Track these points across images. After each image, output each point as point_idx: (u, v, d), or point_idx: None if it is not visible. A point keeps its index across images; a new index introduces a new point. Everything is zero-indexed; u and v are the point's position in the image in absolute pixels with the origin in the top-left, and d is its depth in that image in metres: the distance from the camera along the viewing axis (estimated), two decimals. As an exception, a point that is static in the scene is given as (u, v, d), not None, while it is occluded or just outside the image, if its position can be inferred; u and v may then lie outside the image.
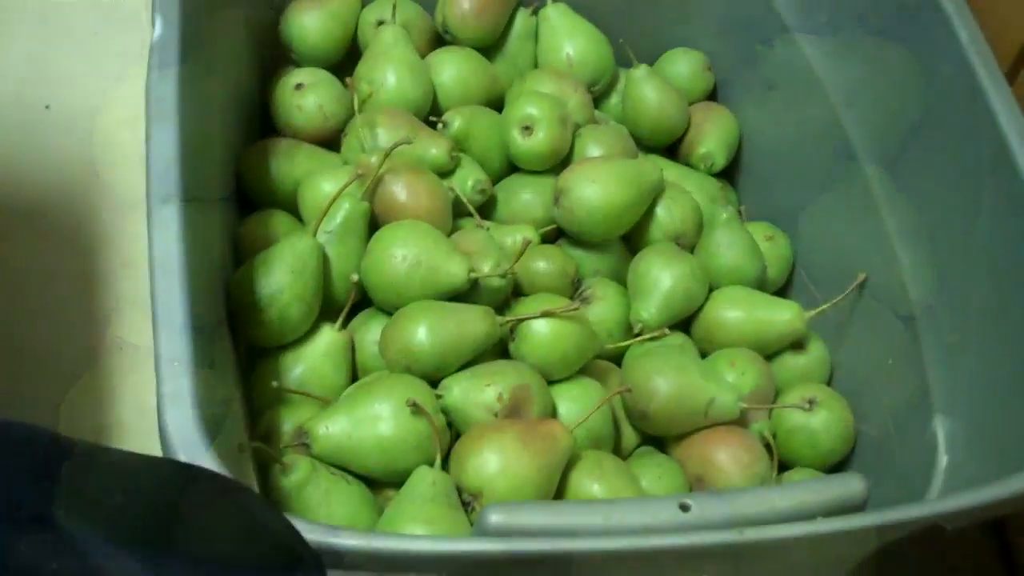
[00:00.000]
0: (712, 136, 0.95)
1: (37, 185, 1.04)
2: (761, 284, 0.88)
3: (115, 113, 1.10)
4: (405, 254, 0.75)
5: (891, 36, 0.80)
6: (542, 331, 0.75)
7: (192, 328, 0.57)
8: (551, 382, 0.76)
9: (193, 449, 0.53)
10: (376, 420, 0.69)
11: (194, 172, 0.65)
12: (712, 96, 1.01)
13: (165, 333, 0.56)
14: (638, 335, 0.82)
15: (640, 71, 0.93)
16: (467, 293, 0.77)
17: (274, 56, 0.93)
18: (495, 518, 0.53)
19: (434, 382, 0.74)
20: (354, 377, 0.78)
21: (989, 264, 0.71)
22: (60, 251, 1.00)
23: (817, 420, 0.80)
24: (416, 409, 0.68)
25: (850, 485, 0.56)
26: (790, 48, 0.90)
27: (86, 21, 1.16)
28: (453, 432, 0.73)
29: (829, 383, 0.85)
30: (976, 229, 0.73)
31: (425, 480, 0.67)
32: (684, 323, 0.85)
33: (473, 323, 0.73)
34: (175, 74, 0.64)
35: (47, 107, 1.09)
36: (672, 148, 0.98)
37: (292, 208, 0.84)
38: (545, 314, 0.74)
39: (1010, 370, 0.68)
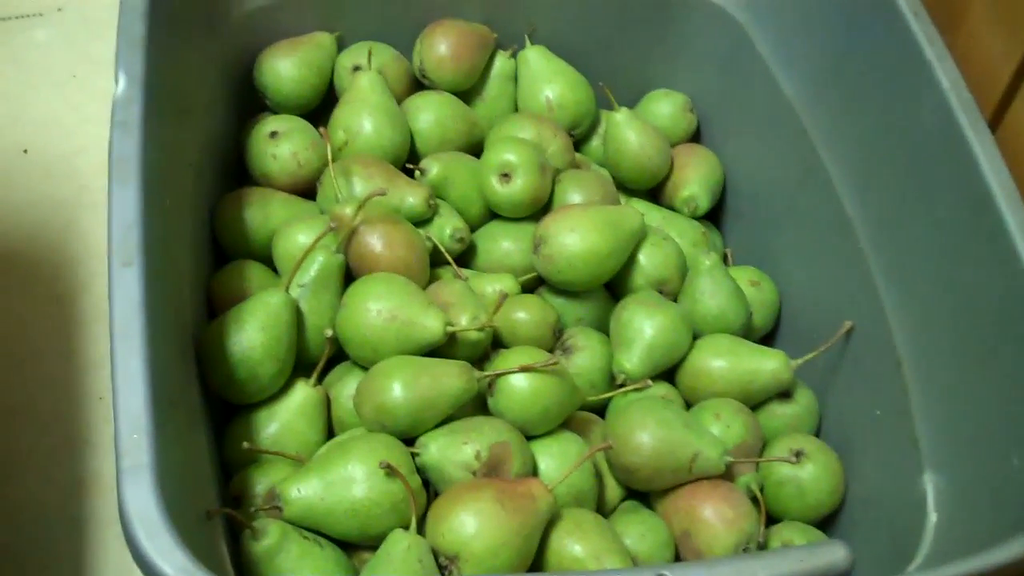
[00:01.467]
0: (695, 179, 0.94)
1: (14, 231, 1.03)
2: (747, 331, 0.86)
3: (94, 156, 1.08)
4: (380, 308, 0.74)
5: (872, 81, 0.78)
6: (521, 386, 0.73)
7: (153, 398, 0.55)
8: (531, 437, 0.74)
9: (153, 527, 0.51)
10: (349, 483, 0.67)
11: (159, 231, 0.64)
12: (695, 137, 1.00)
13: (124, 404, 0.54)
14: (621, 386, 0.81)
15: (621, 114, 0.92)
16: (445, 347, 0.75)
17: (249, 103, 0.92)
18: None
19: (411, 439, 0.72)
20: (331, 432, 0.77)
21: (974, 312, 0.70)
22: (37, 298, 0.98)
23: (805, 473, 0.78)
24: (390, 471, 0.67)
25: (834, 554, 0.55)
26: (771, 89, 0.89)
27: (64, 63, 1.15)
28: (431, 491, 0.72)
29: (818, 433, 0.84)
30: (961, 276, 0.71)
31: (400, 544, 0.65)
32: (668, 372, 0.84)
33: (450, 379, 0.72)
34: (138, 132, 0.63)
35: (25, 151, 1.08)
36: (655, 191, 0.97)
37: (267, 259, 0.83)
38: (524, 369, 0.72)
39: (999, 424, 0.66)
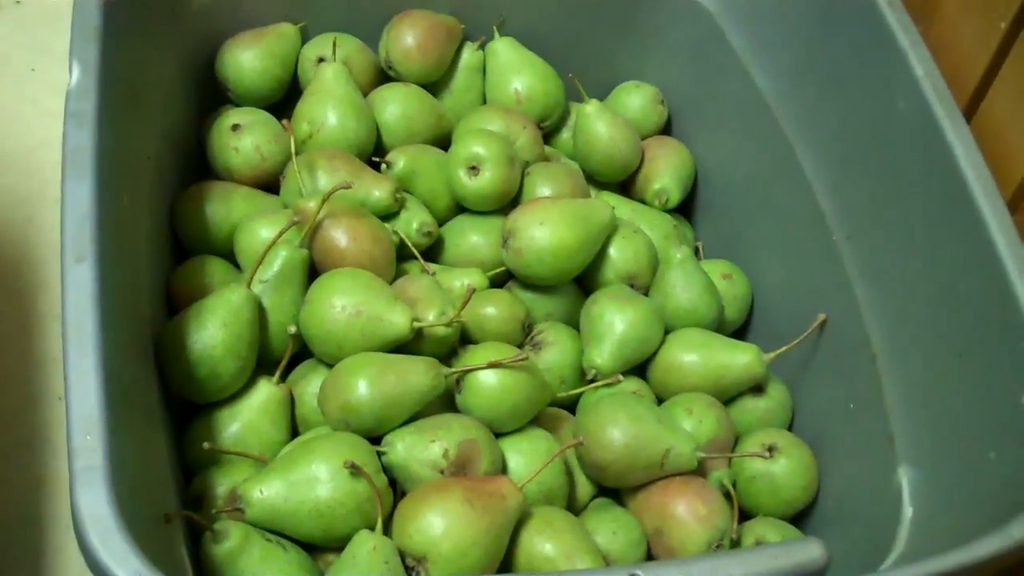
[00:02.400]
0: (666, 171, 0.92)
1: (-29, 227, 1.00)
2: (719, 325, 0.85)
3: (53, 151, 1.05)
4: (344, 303, 0.72)
5: (846, 72, 0.77)
6: (489, 382, 0.71)
7: (107, 398, 0.53)
8: (500, 434, 0.73)
9: (106, 531, 0.49)
10: (313, 483, 0.65)
11: (115, 226, 0.62)
12: (666, 130, 0.99)
13: (76, 404, 0.52)
14: (591, 381, 0.79)
15: (591, 106, 0.90)
16: (412, 343, 0.74)
17: (211, 95, 0.89)
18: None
19: (377, 437, 0.70)
20: (294, 432, 0.75)
21: (949, 306, 0.69)
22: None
23: (778, 468, 0.77)
24: (355, 471, 0.65)
25: (810, 551, 0.53)
26: (743, 81, 0.88)
27: (22, 56, 1.13)
28: (398, 490, 0.70)
29: (791, 427, 0.83)
30: (937, 269, 0.70)
31: (365, 545, 0.63)
32: (640, 367, 0.82)
33: (416, 376, 0.70)
34: (92, 124, 0.61)
35: (-18, 146, 1.05)
36: (625, 184, 0.95)
37: (229, 254, 0.81)
38: (492, 365, 0.71)
39: (976, 418, 0.65)
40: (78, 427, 0.52)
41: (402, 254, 0.82)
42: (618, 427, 0.73)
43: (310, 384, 0.74)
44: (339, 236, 0.76)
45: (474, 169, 0.83)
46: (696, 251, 0.93)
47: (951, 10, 0.76)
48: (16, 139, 1.07)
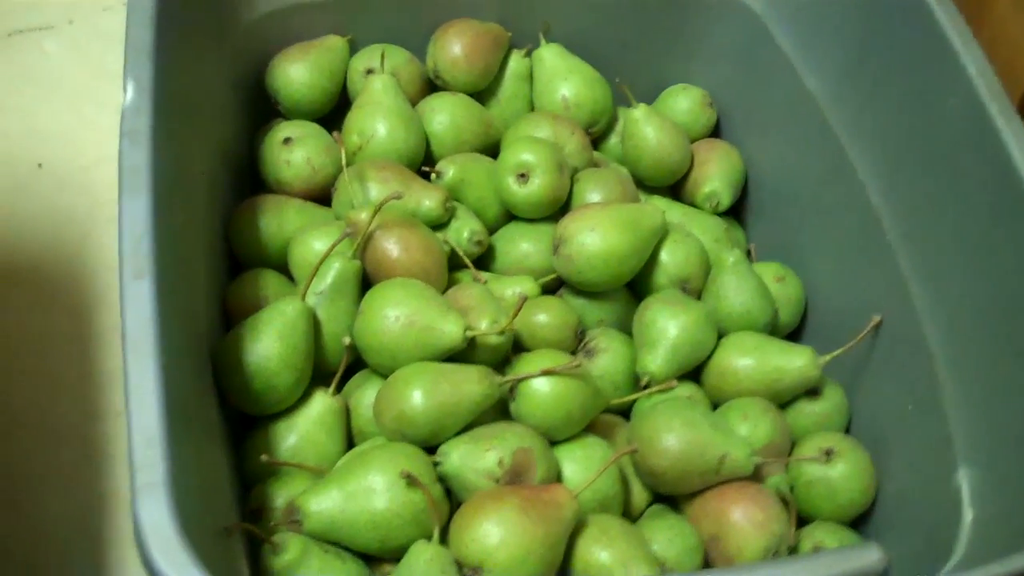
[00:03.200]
0: (716, 174, 0.92)
1: (30, 246, 1.02)
2: (772, 328, 0.84)
3: (108, 169, 1.06)
4: (398, 314, 0.72)
5: (896, 72, 0.76)
6: (543, 391, 0.71)
7: (167, 413, 0.53)
8: (554, 443, 0.73)
9: (168, 545, 0.49)
10: (370, 494, 0.66)
11: (172, 242, 0.62)
12: (715, 132, 0.98)
13: (137, 420, 0.53)
14: (645, 387, 0.79)
15: (639, 111, 0.90)
16: (465, 352, 0.74)
17: (262, 109, 0.90)
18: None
19: (432, 447, 0.70)
20: (350, 443, 0.75)
21: (1007, 305, 0.68)
22: (55, 313, 0.97)
23: (836, 472, 0.76)
24: (411, 481, 0.65)
25: (869, 556, 0.53)
26: (792, 82, 0.87)
27: (76, 76, 1.14)
28: (454, 500, 0.70)
29: (848, 430, 0.82)
30: (992, 268, 0.69)
31: (422, 556, 0.64)
32: (694, 372, 0.82)
33: (470, 385, 0.70)
34: (147, 142, 0.61)
35: (39, 165, 1.07)
36: (675, 188, 0.95)
37: (283, 267, 0.82)
38: (545, 373, 0.71)
39: (1034, 419, 0.64)
40: (139, 441, 0.52)
41: (454, 263, 0.82)
42: (673, 433, 0.72)
43: (365, 395, 0.75)
44: (391, 247, 0.76)
45: (523, 176, 0.84)
46: (748, 254, 0.92)
47: (1003, 6, 0.75)
48: (71, 159, 1.08)
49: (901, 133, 0.77)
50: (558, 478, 0.71)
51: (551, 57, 0.93)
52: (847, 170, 0.82)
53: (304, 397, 0.73)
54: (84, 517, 0.85)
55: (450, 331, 0.72)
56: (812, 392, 0.81)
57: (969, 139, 0.70)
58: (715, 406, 0.81)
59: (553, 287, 0.85)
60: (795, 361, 0.79)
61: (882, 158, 0.79)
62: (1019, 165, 0.66)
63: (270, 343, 0.70)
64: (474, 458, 0.69)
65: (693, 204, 0.93)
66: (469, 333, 0.73)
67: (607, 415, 0.79)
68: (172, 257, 0.62)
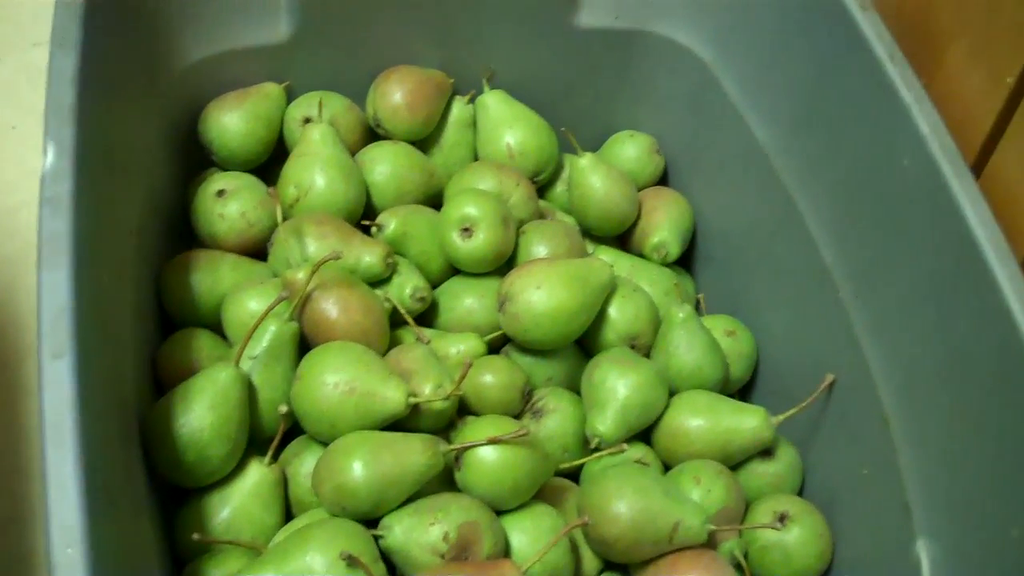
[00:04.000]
0: (665, 224, 0.90)
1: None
2: (724, 384, 0.82)
3: (36, 212, 1.03)
4: (337, 380, 0.69)
5: (847, 125, 0.75)
6: (490, 459, 0.68)
7: (89, 505, 0.50)
8: (501, 512, 0.70)
9: (89, 654, 0.46)
10: (308, 574, 0.62)
11: (96, 313, 0.59)
12: (663, 180, 0.96)
13: (57, 516, 0.49)
14: (595, 450, 0.77)
15: (585, 160, 0.88)
16: (408, 418, 0.71)
17: (195, 158, 0.87)
18: None
19: (373, 519, 0.67)
20: (288, 514, 0.72)
21: (965, 368, 0.66)
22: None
23: (791, 537, 0.74)
24: (352, 562, 0.62)
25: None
26: (741, 131, 0.85)
27: (3, 114, 1.10)
28: (396, 575, 0.67)
29: (801, 491, 0.80)
30: (949, 330, 0.67)
31: (364, 642, 0.61)
32: (644, 432, 0.80)
33: (413, 455, 0.67)
34: (69, 209, 0.58)
35: (-40, 208, 1.03)
36: (623, 237, 0.93)
37: (217, 325, 0.78)
38: (492, 441, 0.68)
39: (997, 490, 0.62)
40: (59, 540, 0.49)
41: (395, 320, 0.80)
42: (624, 501, 0.70)
43: (303, 463, 0.72)
44: (329, 308, 0.73)
45: (467, 231, 0.81)
46: (697, 304, 0.90)
47: (955, 61, 0.74)
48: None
49: (852, 188, 0.76)
50: (506, 550, 0.69)
51: (495, 104, 0.90)
52: (797, 223, 0.80)
53: (238, 467, 0.70)
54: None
55: (392, 398, 0.69)
56: (765, 452, 0.79)
57: (922, 196, 0.68)
58: (666, 467, 0.79)
59: (499, 344, 0.82)
60: (748, 422, 0.77)
61: (833, 213, 0.78)
62: (974, 227, 0.64)
63: (202, 413, 0.67)
64: (418, 532, 0.66)
65: (641, 254, 0.91)
66: (412, 400, 0.70)
67: (556, 479, 0.76)
68: (96, 330, 0.59)
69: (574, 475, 0.79)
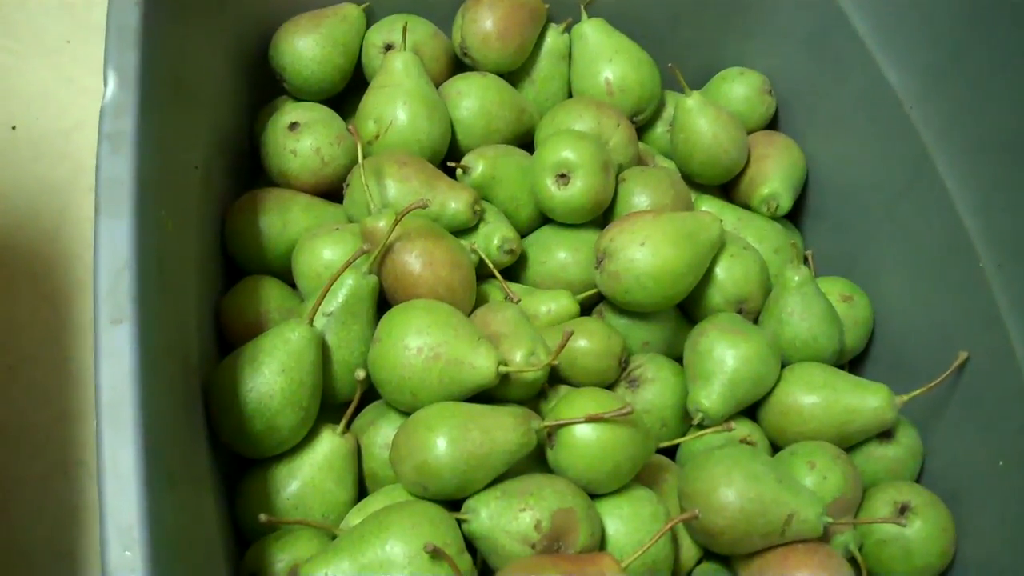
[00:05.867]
0: (776, 174, 0.81)
1: (1, 220, 0.91)
2: (839, 357, 0.75)
3: (92, 134, 0.96)
4: (420, 345, 0.62)
5: (997, 74, 0.66)
6: (588, 439, 0.61)
7: (148, 495, 0.44)
8: (596, 495, 0.63)
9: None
10: (387, 566, 0.56)
11: (159, 269, 0.52)
12: (773, 123, 0.87)
13: (113, 511, 0.43)
14: (699, 426, 0.70)
15: (692, 99, 0.80)
16: (496, 387, 0.64)
17: (265, 88, 0.79)
18: None
19: (456, 501, 0.61)
20: (362, 487, 0.66)
21: None
22: (27, 298, 0.87)
23: (912, 531, 0.67)
24: (436, 554, 0.56)
25: None
26: (871, 75, 0.76)
27: (57, 28, 1.03)
28: (478, 559, 0.61)
29: (919, 476, 0.72)
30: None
31: (449, 643, 0.54)
32: (751, 406, 0.72)
33: (504, 432, 0.60)
34: (131, 149, 0.51)
35: (13, 128, 0.96)
36: (727, 186, 0.84)
37: (286, 273, 0.71)
38: (591, 419, 0.61)
39: None
40: (115, 539, 0.43)
41: (480, 272, 0.72)
42: (733, 488, 0.63)
43: (379, 433, 0.65)
44: (413, 261, 0.66)
45: (563, 177, 0.73)
46: (805, 261, 0.82)
47: None
48: (49, 121, 0.97)
49: (1001, 146, 0.67)
50: (601, 541, 0.62)
51: (593, 34, 0.82)
52: (933, 181, 0.72)
53: (309, 436, 0.63)
54: (55, 534, 0.76)
55: (482, 366, 0.62)
56: (884, 434, 0.72)
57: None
58: (774, 447, 0.72)
59: (592, 302, 0.75)
60: (869, 401, 0.70)
61: (978, 172, 0.69)
62: None
63: (272, 378, 0.60)
64: (507, 518, 0.59)
65: (747, 206, 0.83)
66: (503, 369, 0.63)
67: (655, 456, 0.69)
68: (159, 287, 0.52)
69: (670, 451, 0.72)
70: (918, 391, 0.70)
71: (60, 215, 0.92)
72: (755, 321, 0.75)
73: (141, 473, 0.44)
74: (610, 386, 0.71)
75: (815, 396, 0.70)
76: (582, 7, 0.83)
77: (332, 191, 0.76)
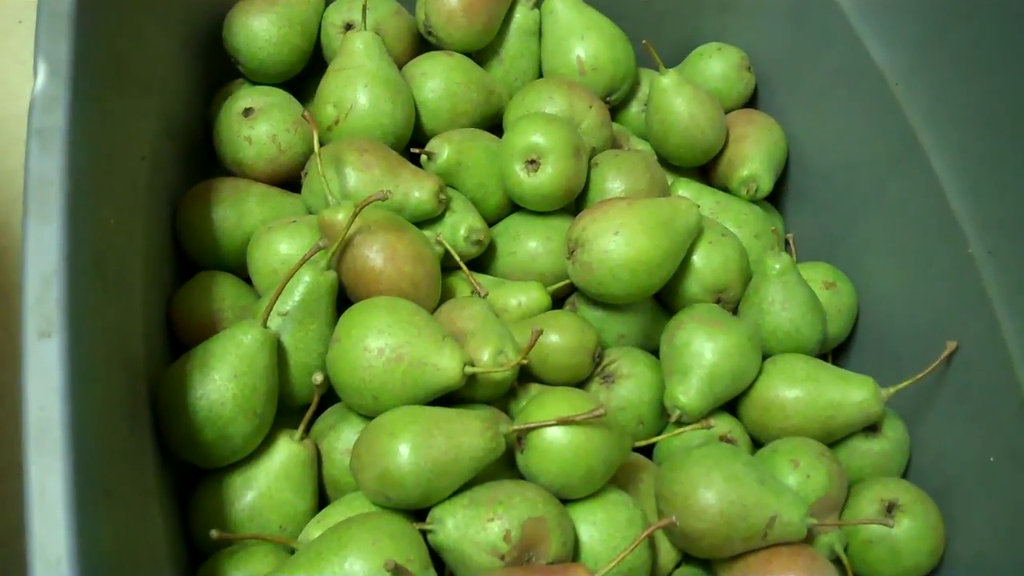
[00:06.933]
0: (755, 154, 0.78)
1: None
2: (822, 347, 0.72)
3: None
4: (382, 346, 0.59)
5: (986, 48, 0.62)
6: (559, 442, 0.58)
7: (79, 526, 0.40)
8: (568, 500, 0.60)
9: None
10: (347, 584, 0.53)
11: (98, 270, 0.49)
12: (752, 101, 0.84)
13: (41, 547, 0.40)
14: (677, 424, 0.66)
15: (667, 78, 0.76)
16: (462, 387, 0.61)
17: (218, 71, 0.75)
18: None
19: (422, 510, 0.58)
20: (322, 497, 0.62)
21: None
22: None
23: (900, 530, 0.65)
24: (398, 573, 0.52)
25: None
26: (854, 50, 0.73)
27: (8, 7, 0.99)
28: (446, 573, 0.58)
29: (907, 471, 0.70)
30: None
31: (413, 665, 0.51)
32: (731, 400, 0.69)
33: (470, 437, 0.57)
34: (63, 146, 0.47)
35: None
36: (705, 167, 0.81)
37: (241, 267, 0.68)
38: (563, 422, 0.58)
39: None
40: (42, 568, 0.39)
41: (446, 264, 0.69)
42: (713, 490, 0.60)
43: (340, 438, 0.62)
44: (374, 256, 0.63)
45: (533, 163, 0.70)
46: (786, 244, 0.79)
47: None
48: (1, 106, 0.93)
49: (991, 124, 0.64)
50: (574, 551, 0.59)
51: (564, 9, 0.78)
52: (920, 161, 0.69)
53: (265, 443, 0.60)
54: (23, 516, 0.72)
55: (446, 368, 0.59)
56: (870, 428, 0.69)
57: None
58: (755, 443, 0.69)
59: (564, 294, 0.72)
60: (854, 395, 0.67)
61: (966, 151, 0.66)
62: None
63: (223, 384, 0.57)
64: (475, 528, 0.56)
65: (725, 188, 0.79)
66: (469, 370, 0.59)
67: (630, 455, 0.66)
68: (97, 290, 0.48)
69: (647, 449, 0.69)
70: (905, 383, 0.67)
71: (11, 205, 0.88)
72: (735, 311, 0.72)
73: (71, 501, 0.41)
74: (584, 382, 0.68)
75: (798, 390, 0.67)
76: (552, -19, 0.79)
77: (290, 180, 0.72)
